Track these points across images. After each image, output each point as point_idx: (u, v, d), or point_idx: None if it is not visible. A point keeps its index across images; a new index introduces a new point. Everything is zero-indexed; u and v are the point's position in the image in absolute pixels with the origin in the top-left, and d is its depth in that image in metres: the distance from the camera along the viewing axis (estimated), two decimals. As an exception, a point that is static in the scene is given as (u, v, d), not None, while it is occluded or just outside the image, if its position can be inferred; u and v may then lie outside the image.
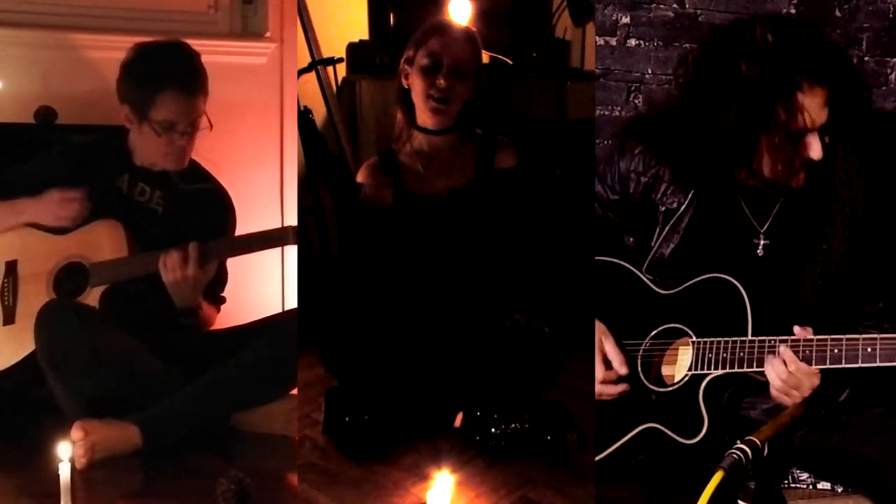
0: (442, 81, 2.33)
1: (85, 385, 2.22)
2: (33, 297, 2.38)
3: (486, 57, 3.27)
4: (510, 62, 3.31)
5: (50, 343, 2.24)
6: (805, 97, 1.76)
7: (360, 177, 2.47)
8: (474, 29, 2.50)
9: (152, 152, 2.44)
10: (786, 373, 1.75)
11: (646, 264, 1.99)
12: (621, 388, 1.92)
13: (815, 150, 1.79)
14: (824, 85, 1.76)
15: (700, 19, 2.58)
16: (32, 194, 2.41)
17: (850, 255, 1.84)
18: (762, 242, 1.93)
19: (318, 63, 3.13)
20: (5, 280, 2.41)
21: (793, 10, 2.55)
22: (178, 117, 2.37)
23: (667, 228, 1.96)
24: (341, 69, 3.24)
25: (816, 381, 1.75)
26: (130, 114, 2.40)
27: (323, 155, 2.98)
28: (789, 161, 1.81)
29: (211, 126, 2.43)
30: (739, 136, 1.80)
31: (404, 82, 2.41)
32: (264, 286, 3.06)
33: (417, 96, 2.38)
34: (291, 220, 3.10)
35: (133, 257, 2.39)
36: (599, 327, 1.94)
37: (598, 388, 1.92)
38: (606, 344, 1.92)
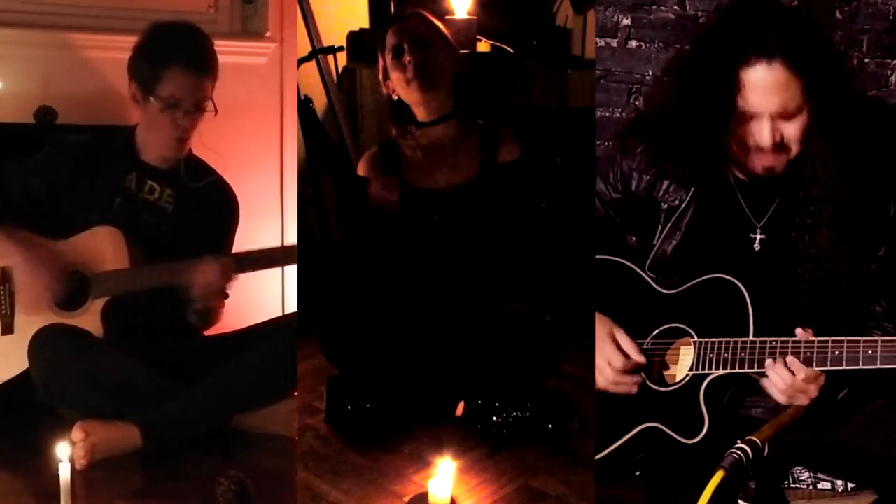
0: (408, 58, 2.36)
1: (81, 409, 2.21)
2: (32, 306, 2.34)
3: (487, 45, 3.29)
4: (511, 50, 3.31)
5: (44, 371, 2.23)
6: (752, 74, 1.73)
7: (362, 169, 2.48)
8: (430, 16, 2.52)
9: (155, 137, 2.42)
10: (791, 378, 1.74)
11: (648, 262, 1.98)
12: (637, 378, 1.90)
13: (761, 136, 1.76)
14: (780, 62, 1.71)
15: (701, 21, 2.58)
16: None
17: (837, 254, 1.82)
18: (759, 237, 1.92)
19: (319, 52, 3.12)
20: (1, 287, 2.35)
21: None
22: (183, 94, 2.35)
23: (669, 226, 1.96)
24: (342, 58, 3.23)
25: (822, 380, 1.75)
26: (137, 91, 2.38)
27: (323, 144, 2.98)
28: (744, 146, 1.79)
29: (216, 111, 2.41)
30: (708, 110, 1.79)
31: (392, 94, 2.45)
32: (265, 287, 3.06)
33: (401, 88, 2.41)
34: (291, 217, 3.10)
35: (136, 269, 2.36)
36: (606, 321, 1.93)
37: (616, 378, 1.90)
38: (619, 336, 1.91)
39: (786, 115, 1.76)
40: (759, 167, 1.83)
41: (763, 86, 1.73)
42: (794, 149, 1.80)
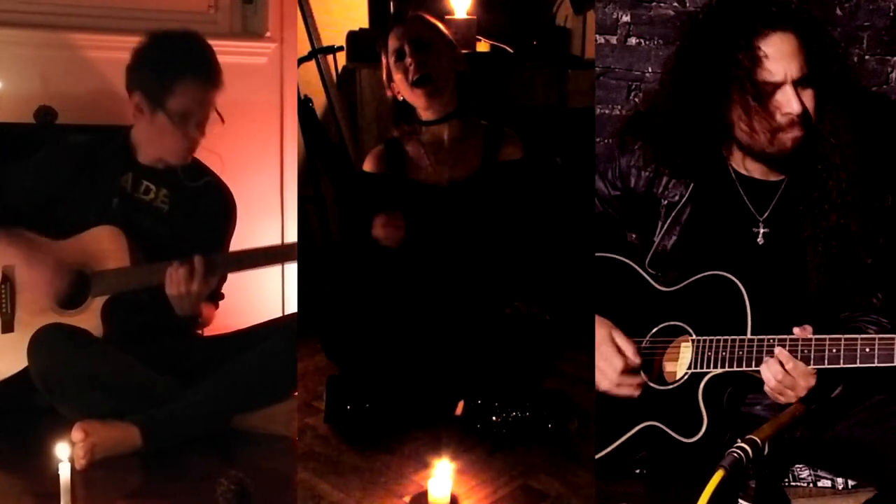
0: (409, 60, 2.40)
1: (81, 408, 2.21)
2: (33, 304, 2.37)
3: (487, 45, 3.30)
4: (511, 50, 3.31)
5: (44, 370, 2.23)
6: (767, 44, 1.75)
7: (368, 166, 2.51)
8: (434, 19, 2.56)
9: (160, 145, 2.42)
10: (781, 373, 1.74)
11: (648, 258, 1.98)
12: (639, 379, 1.90)
13: (789, 103, 1.76)
14: (789, 31, 1.75)
15: (701, 18, 2.57)
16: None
17: (850, 225, 1.82)
18: (762, 231, 1.92)
19: (319, 52, 3.12)
20: (2, 286, 2.37)
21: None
22: (195, 107, 2.35)
23: (668, 221, 1.96)
24: (341, 58, 3.23)
25: (812, 381, 1.74)
26: (143, 102, 2.37)
27: (323, 143, 2.99)
28: (766, 121, 1.79)
29: (222, 120, 2.41)
30: (713, 95, 1.80)
31: (397, 95, 2.49)
32: (265, 287, 3.06)
33: (405, 91, 2.44)
34: (291, 217, 3.10)
35: (136, 268, 2.37)
36: (605, 323, 1.93)
37: (618, 380, 1.89)
38: (617, 337, 1.91)
39: (802, 82, 1.77)
40: (789, 140, 1.81)
41: (783, 51, 1.76)
42: (813, 119, 1.80)
